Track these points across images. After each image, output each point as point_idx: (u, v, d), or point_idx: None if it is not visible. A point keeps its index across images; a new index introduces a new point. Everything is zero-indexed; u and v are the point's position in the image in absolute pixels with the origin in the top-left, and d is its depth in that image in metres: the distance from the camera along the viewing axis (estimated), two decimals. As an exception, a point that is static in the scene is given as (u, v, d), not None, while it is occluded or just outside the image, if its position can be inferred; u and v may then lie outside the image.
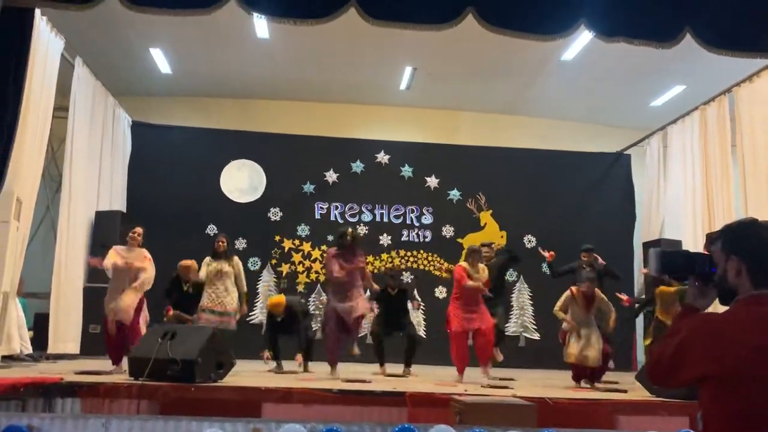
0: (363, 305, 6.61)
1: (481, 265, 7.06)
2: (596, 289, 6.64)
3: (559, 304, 6.66)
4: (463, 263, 7.08)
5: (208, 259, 7.31)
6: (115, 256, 6.28)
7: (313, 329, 8.97)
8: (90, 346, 7.89)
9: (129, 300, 6.13)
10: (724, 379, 1.72)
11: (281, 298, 7.19)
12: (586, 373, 6.38)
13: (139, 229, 6.49)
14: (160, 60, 9.69)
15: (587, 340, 6.32)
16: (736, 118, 7.95)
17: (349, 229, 6.97)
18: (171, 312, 7.06)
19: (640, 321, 9.82)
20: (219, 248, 7.28)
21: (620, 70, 9.46)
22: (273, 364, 6.98)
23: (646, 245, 9.69)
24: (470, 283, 6.80)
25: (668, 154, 9.85)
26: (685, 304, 1.92)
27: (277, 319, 7.08)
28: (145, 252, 6.44)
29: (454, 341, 6.86)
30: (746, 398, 1.68)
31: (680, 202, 9.29)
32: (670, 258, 1.98)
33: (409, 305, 7.95)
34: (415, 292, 8.27)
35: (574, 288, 6.65)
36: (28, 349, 6.94)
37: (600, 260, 7.87)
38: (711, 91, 8.60)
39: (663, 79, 9.73)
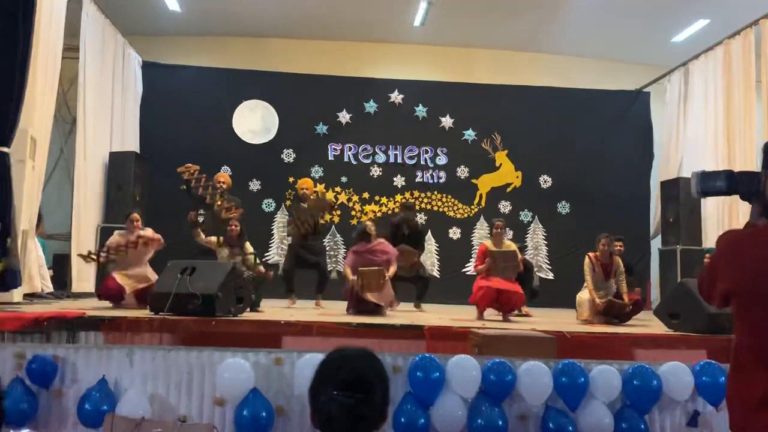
0: (388, 296, 6.46)
1: (507, 242, 6.74)
2: (616, 256, 6.62)
3: (586, 272, 6.59)
4: (488, 241, 6.77)
5: (221, 242, 6.69)
6: (114, 240, 6.24)
7: (328, 269, 9.04)
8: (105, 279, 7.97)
9: (145, 271, 6.14)
10: (745, 293, 1.72)
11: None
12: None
13: (135, 216, 6.30)
14: (169, -3, 9.47)
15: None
16: (762, 52, 7.71)
17: (368, 223, 6.84)
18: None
19: (655, 258, 9.80)
20: (232, 233, 6.61)
21: (641, 3, 9.15)
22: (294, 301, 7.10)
23: (664, 184, 9.57)
24: (480, 267, 6.48)
25: (689, 91, 9.61)
26: (747, 223, 1.89)
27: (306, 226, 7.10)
28: (148, 230, 6.31)
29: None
30: (765, 312, 1.67)
31: (700, 141, 9.11)
32: (712, 178, 1.92)
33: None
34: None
35: (591, 254, 6.60)
36: (49, 288, 7.02)
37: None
38: (736, 25, 8.30)
39: (686, 12, 9.39)
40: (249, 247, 6.73)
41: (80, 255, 6.37)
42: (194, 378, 3.67)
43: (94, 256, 6.14)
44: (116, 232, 6.42)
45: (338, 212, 10.26)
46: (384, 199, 10.32)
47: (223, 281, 4.99)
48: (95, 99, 8.32)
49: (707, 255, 6.98)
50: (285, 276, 7.38)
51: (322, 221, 7.47)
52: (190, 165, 7.18)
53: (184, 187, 7.17)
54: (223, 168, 9.81)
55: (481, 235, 10.23)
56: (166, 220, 9.19)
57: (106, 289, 5.99)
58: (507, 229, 7.92)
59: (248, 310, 5.67)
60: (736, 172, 1.92)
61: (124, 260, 6.11)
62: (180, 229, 7.67)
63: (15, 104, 5.37)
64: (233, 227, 6.64)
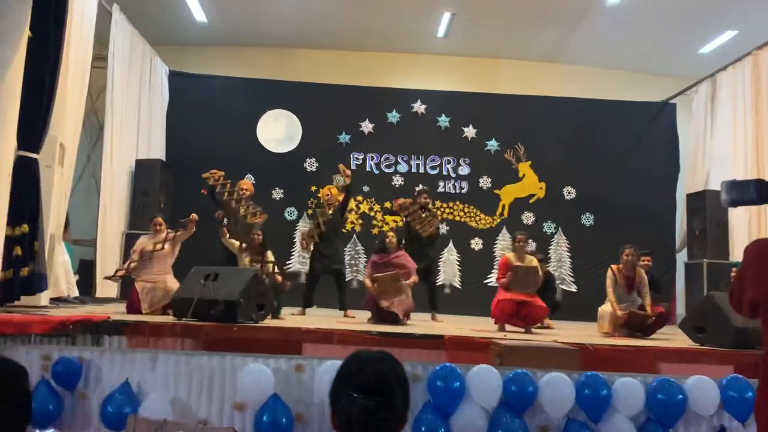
0: (406, 304, 6.46)
1: (529, 256, 6.66)
2: (639, 268, 6.53)
3: (608, 284, 6.52)
4: (510, 254, 6.69)
5: (242, 249, 6.83)
6: (141, 242, 6.39)
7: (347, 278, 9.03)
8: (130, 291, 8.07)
9: (171, 284, 6.17)
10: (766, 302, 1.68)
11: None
12: None
13: (158, 219, 6.45)
14: (196, 8, 9.62)
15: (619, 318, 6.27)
16: (793, 63, 7.60)
17: (389, 234, 6.91)
18: None
19: (680, 273, 9.66)
20: (255, 241, 6.72)
21: (668, 14, 9.08)
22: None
23: (691, 197, 9.44)
24: (502, 281, 6.41)
25: (716, 102, 9.48)
26: None
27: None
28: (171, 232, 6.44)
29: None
30: None
31: (728, 153, 8.96)
32: (742, 188, 1.90)
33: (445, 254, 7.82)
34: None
35: (614, 267, 6.53)
36: (75, 293, 7.12)
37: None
38: (765, 36, 8.19)
39: (713, 23, 9.30)
40: (270, 256, 6.77)
41: (107, 278, 6.59)
42: (215, 383, 3.70)
43: (121, 272, 6.29)
44: (142, 237, 6.54)
45: (360, 221, 10.29)
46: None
47: (245, 287, 5.02)
48: (122, 107, 8.47)
49: (734, 269, 6.86)
50: (304, 291, 7.43)
51: (344, 228, 7.50)
52: (215, 171, 7.25)
53: (205, 191, 7.24)
54: (246, 176, 9.89)
55: (503, 246, 10.16)
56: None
57: (131, 306, 6.09)
58: (530, 241, 7.86)
59: (269, 317, 5.70)
60: (767, 181, 1.89)
61: (150, 264, 6.19)
62: (204, 235, 7.79)
63: (45, 111, 5.47)
64: (257, 235, 6.69)
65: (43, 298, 5.72)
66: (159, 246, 6.17)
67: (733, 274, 6.74)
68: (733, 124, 8.87)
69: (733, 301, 1.87)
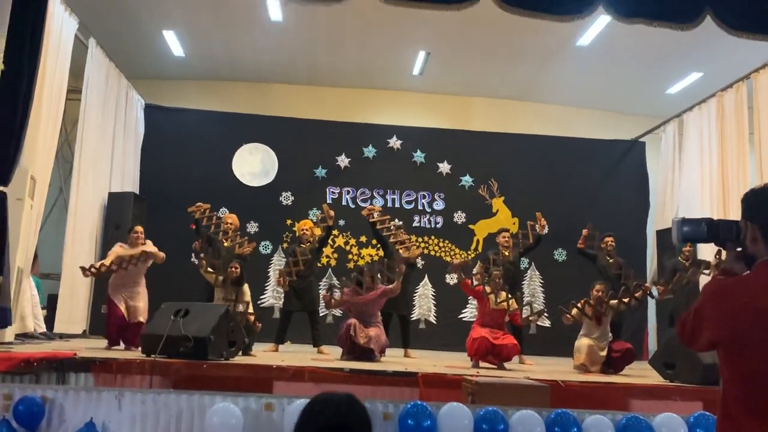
0: (381, 340, 6.48)
1: (503, 293, 6.72)
2: (608, 300, 6.55)
3: (574, 312, 6.59)
4: (489, 291, 6.75)
5: (218, 282, 6.65)
6: (117, 251, 6.43)
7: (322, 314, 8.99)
8: (99, 327, 7.91)
9: (144, 300, 6.30)
10: (730, 342, 1.73)
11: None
12: None
13: (139, 228, 6.53)
14: (173, 43, 9.67)
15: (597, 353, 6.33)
16: (754, 105, 7.84)
17: (365, 269, 6.91)
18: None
19: (651, 309, 9.76)
20: (232, 274, 6.55)
21: (636, 56, 9.34)
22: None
23: (660, 233, 9.61)
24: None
25: (684, 141, 9.74)
26: (722, 268, 1.91)
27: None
28: (149, 243, 6.55)
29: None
30: (750, 361, 1.67)
31: (695, 191, 9.18)
32: (692, 226, 1.96)
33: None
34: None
35: (582, 301, 6.60)
36: (42, 328, 6.98)
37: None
38: (729, 78, 8.47)
39: (680, 65, 9.60)
40: (246, 293, 6.68)
41: (81, 267, 6.50)
42: (183, 422, 3.63)
43: (95, 269, 6.30)
44: (118, 244, 6.48)
45: (335, 255, 10.27)
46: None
47: (216, 324, 4.97)
48: (96, 140, 8.42)
49: None
50: (278, 327, 7.39)
51: (320, 262, 7.53)
52: (200, 204, 7.25)
53: (194, 225, 7.23)
54: (221, 210, 9.84)
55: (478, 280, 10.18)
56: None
57: (113, 319, 6.12)
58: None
59: (240, 353, 5.63)
60: (716, 219, 1.96)
61: (123, 276, 6.20)
62: (185, 269, 7.74)
63: (15, 143, 5.43)
64: (233, 269, 6.62)
65: (8, 333, 5.60)
66: (134, 261, 6.20)
67: None
68: (700, 163, 9.11)
69: (684, 335, 1.90)
